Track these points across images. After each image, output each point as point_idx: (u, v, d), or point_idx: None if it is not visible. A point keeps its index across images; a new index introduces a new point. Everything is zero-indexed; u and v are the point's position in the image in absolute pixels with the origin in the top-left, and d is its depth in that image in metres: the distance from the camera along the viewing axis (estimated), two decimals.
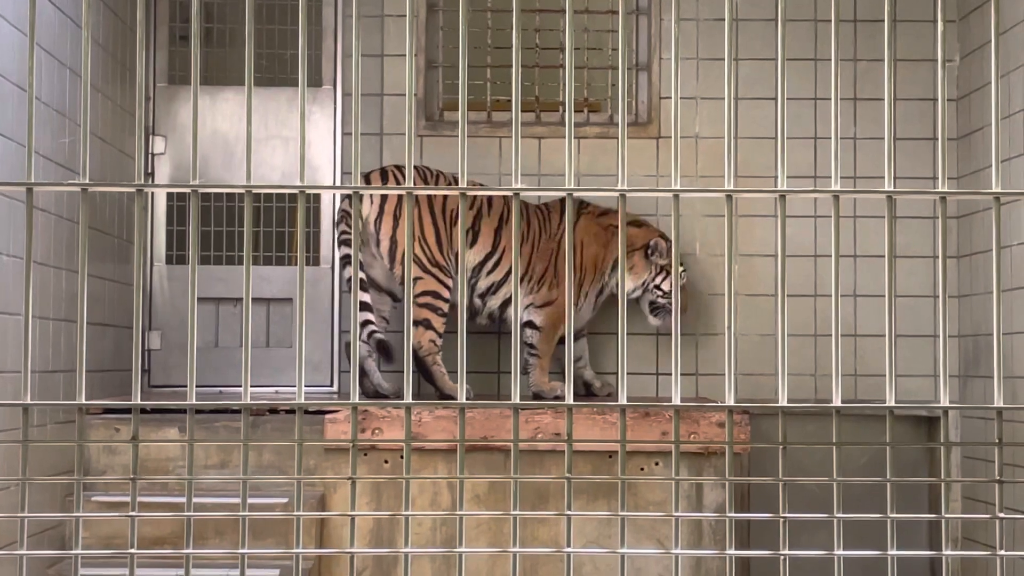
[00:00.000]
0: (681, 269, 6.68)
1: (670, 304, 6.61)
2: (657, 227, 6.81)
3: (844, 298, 7.00)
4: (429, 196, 6.26)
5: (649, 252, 6.63)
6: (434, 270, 6.26)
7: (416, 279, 6.20)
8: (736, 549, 2.45)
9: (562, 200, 6.69)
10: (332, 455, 5.62)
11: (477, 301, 6.54)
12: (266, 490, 5.57)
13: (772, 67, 6.94)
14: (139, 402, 2.25)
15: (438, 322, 6.21)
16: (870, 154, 7.00)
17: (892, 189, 2.42)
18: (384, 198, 6.25)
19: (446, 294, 6.26)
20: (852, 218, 6.97)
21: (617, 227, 6.62)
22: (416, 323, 6.20)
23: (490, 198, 6.47)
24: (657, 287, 6.65)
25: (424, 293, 6.22)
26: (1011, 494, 5.99)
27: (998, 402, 2.41)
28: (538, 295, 6.53)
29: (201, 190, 2.31)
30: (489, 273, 6.46)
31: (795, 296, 6.97)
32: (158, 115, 7.13)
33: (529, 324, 6.53)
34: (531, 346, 6.53)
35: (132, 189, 2.27)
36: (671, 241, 6.73)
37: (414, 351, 6.18)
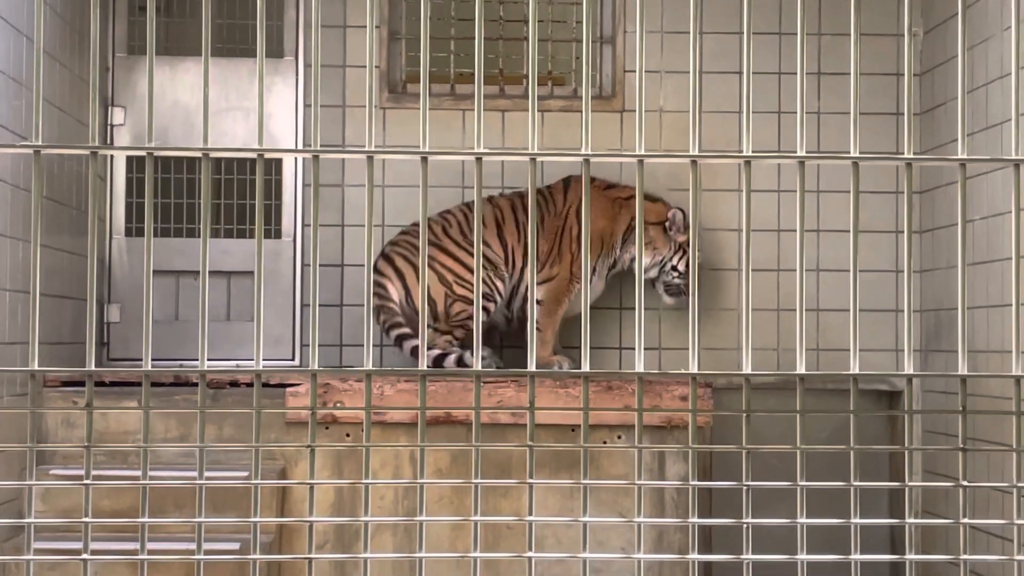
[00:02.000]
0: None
1: (685, 285, 6.62)
2: (672, 203, 6.72)
3: (807, 272, 7.01)
4: (449, 232, 6.52)
5: (668, 226, 6.60)
6: (461, 296, 6.43)
7: (450, 309, 6.47)
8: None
9: (564, 180, 6.72)
10: (294, 429, 5.58)
11: (505, 311, 6.71)
12: (227, 464, 5.53)
13: (736, 41, 6.92)
14: (93, 369, 2.21)
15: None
16: (834, 129, 7.00)
17: (858, 155, 2.41)
18: (392, 274, 6.50)
19: (483, 317, 6.48)
20: (815, 192, 6.97)
21: (626, 199, 6.70)
22: (451, 334, 6.48)
23: (493, 207, 6.61)
24: (674, 267, 6.61)
25: (458, 315, 6.42)
26: (971, 467, 6.00)
27: (962, 370, 2.40)
28: (540, 273, 6.57)
29: (157, 153, 2.26)
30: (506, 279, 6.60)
31: (758, 270, 6.97)
32: (117, 86, 7.05)
33: None
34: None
35: (86, 151, 2.22)
36: (686, 212, 6.70)
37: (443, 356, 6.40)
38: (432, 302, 6.44)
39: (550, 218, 6.63)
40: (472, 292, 6.36)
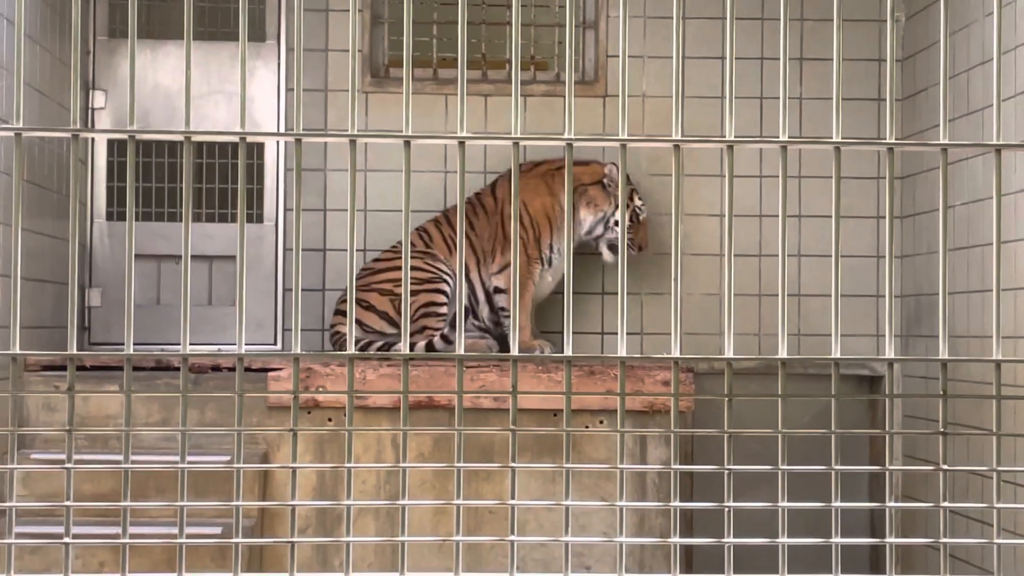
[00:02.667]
0: (640, 203, 6.69)
1: (629, 240, 6.63)
2: (603, 161, 6.73)
3: (789, 258, 7.02)
4: (380, 260, 6.61)
5: (606, 184, 6.63)
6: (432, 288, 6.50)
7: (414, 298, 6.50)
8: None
9: (491, 184, 6.78)
10: (276, 414, 5.58)
11: (476, 321, 6.77)
12: (209, 448, 5.53)
13: (719, 26, 6.92)
14: (74, 352, 2.20)
15: (438, 326, 6.48)
16: (816, 114, 7.01)
17: (839, 140, 2.41)
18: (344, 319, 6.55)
19: (442, 299, 6.54)
20: (797, 178, 6.98)
21: (556, 169, 6.72)
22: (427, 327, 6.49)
23: (421, 232, 6.67)
24: (617, 222, 6.65)
25: (412, 306, 6.41)
26: (951, 451, 6.02)
27: (943, 354, 2.41)
28: (494, 264, 6.65)
29: (139, 136, 2.26)
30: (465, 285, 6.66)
31: (740, 256, 6.98)
32: (98, 69, 7.02)
33: (497, 290, 6.64)
34: (503, 309, 6.65)
35: (67, 134, 2.21)
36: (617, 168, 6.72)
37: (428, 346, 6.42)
38: (384, 314, 6.51)
39: (486, 221, 6.70)
40: (417, 286, 6.41)
